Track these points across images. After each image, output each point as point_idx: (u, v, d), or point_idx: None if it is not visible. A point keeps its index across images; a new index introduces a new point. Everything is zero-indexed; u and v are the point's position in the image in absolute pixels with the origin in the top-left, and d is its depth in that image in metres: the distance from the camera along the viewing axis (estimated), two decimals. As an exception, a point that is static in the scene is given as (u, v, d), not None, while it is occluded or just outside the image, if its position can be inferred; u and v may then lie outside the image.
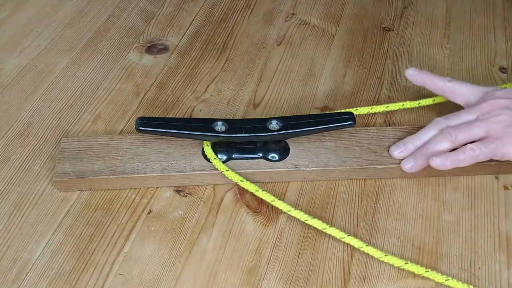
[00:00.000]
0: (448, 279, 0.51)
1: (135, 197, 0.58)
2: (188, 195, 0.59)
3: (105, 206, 0.58)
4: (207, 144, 0.59)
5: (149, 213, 0.57)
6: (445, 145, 0.57)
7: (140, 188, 0.59)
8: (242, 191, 0.59)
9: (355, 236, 0.55)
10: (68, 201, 0.58)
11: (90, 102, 0.69)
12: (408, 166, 0.58)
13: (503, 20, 0.81)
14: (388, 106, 0.66)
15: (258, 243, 0.55)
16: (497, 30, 0.79)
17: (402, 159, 0.59)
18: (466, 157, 0.56)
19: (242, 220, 0.57)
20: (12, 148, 0.63)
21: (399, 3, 0.85)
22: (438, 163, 0.55)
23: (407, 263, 0.52)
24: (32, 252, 0.54)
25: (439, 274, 0.51)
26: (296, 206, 0.58)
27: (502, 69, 0.73)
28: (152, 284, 0.52)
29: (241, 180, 0.57)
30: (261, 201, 0.57)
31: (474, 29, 0.80)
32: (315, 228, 0.55)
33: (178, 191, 0.59)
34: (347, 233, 0.54)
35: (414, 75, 0.64)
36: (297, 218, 0.55)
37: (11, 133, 0.65)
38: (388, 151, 0.60)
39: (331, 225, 0.55)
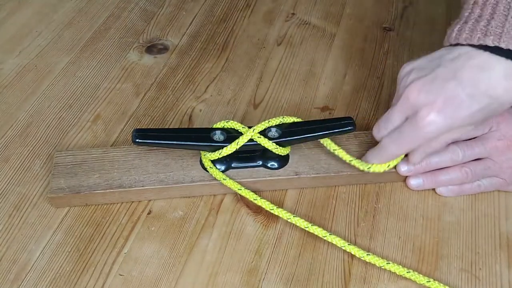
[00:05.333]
0: (430, 281, 0.51)
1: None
2: (188, 196, 0.59)
3: (104, 206, 0.57)
4: (204, 154, 0.57)
5: (149, 213, 0.57)
6: (457, 179, 0.57)
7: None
8: (242, 191, 0.59)
9: (356, 236, 0.55)
10: (67, 201, 0.58)
11: (90, 102, 0.69)
12: (415, 184, 0.58)
13: (504, 20, 0.81)
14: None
15: (259, 243, 0.55)
16: (497, 30, 0.79)
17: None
18: (471, 190, 0.58)
19: (242, 220, 0.57)
20: (12, 148, 0.63)
21: (399, 3, 0.84)
22: (445, 194, 0.59)
23: (389, 263, 0.52)
24: (31, 252, 0.54)
25: (420, 275, 0.51)
26: (297, 206, 0.58)
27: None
28: (152, 284, 0.52)
29: (239, 189, 0.56)
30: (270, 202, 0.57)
31: (474, 29, 0.79)
32: (315, 229, 0.55)
33: (178, 191, 0.59)
34: (348, 235, 0.54)
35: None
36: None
37: (11, 133, 0.65)
38: (395, 167, 0.58)
39: (332, 225, 0.55)
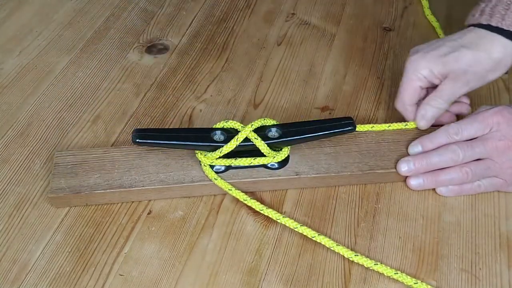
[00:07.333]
0: (417, 283, 0.51)
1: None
2: (188, 196, 0.59)
3: (105, 206, 0.57)
4: (205, 154, 0.57)
5: (149, 213, 0.57)
6: (458, 179, 0.57)
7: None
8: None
9: (356, 236, 0.55)
10: (68, 201, 0.58)
11: (90, 102, 0.69)
12: (416, 183, 0.58)
13: (504, 20, 0.81)
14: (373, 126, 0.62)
15: (259, 243, 0.55)
16: (497, 30, 0.79)
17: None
18: (471, 190, 0.58)
19: (243, 220, 0.57)
20: (12, 148, 0.63)
21: (399, 3, 0.84)
22: (445, 194, 0.59)
23: (377, 264, 0.52)
24: (32, 252, 0.54)
25: (408, 276, 0.51)
26: (297, 206, 0.58)
27: (503, 69, 0.73)
28: (152, 285, 0.52)
29: (229, 189, 0.56)
30: (261, 202, 0.57)
31: (474, 29, 0.79)
32: (315, 229, 0.55)
33: (178, 191, 0.59)
34: (348, 235, 0.54)
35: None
36: (297, 219, 0.55)
37: (11, 133, 0.65)
38: (395, 166, 0.58)
39: (332, 225, 0.55)
